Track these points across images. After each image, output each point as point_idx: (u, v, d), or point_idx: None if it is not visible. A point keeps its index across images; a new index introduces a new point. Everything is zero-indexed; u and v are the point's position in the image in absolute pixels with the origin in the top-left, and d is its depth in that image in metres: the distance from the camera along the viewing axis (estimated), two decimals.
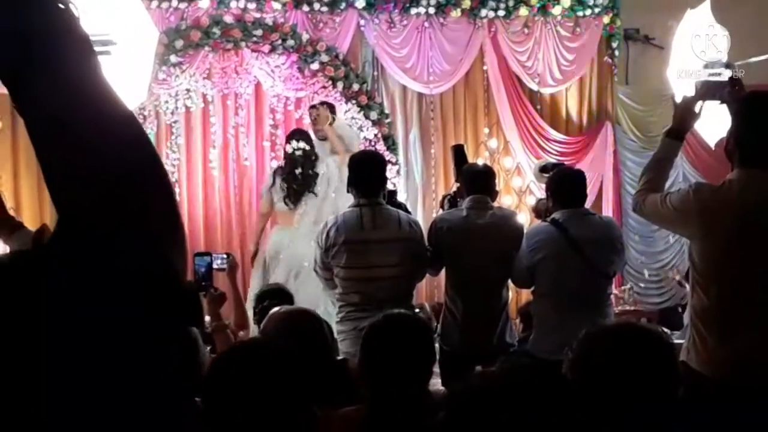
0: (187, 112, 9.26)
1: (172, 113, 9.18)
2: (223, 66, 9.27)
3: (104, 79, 1.19)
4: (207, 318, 4.86)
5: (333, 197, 8.09)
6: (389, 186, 7.74)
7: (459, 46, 10.03)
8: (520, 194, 10.29)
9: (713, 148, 8.46)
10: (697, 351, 3.75)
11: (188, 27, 9.02)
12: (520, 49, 10.17)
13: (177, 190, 9.12)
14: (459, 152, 6.37)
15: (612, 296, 5.67)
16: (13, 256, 1.42)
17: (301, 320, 3.47)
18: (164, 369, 1.16)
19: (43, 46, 1.14)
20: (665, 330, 7.02)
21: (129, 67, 5.78)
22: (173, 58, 8.90)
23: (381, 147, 9.49)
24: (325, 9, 9.52)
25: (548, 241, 5.25)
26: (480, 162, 8.31)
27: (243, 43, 9.18)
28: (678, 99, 4.16)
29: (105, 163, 1.14)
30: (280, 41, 9.24)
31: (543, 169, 6.55)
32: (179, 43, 8.92)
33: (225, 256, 5.38)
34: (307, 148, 8.17)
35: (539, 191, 9.30)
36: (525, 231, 5.73)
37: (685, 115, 4.09)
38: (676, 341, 4.01)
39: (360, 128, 9.39)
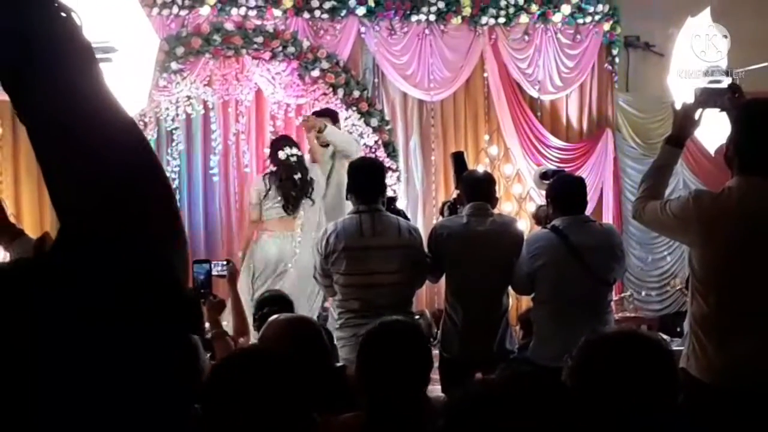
0: (187, 118, 9.27)
1: (173, 120, 9.19)
2: (224, 73, 9.28)
3: (106, 86, 1.19)
4: (207, 325, 4.86)
5: (320, 204, 8.13)
6: (389, 193, 7.75)
7: (459, 53, 10.04)
8: (520, 201, 10.30)
9: (713, 155, 8.47)
10: (696, 358, 3.75)
11: (189, 34, 9.03)
12: (521, 56, 10.18)
13: (177, 196, 9.12)
14: (459, 159, 6.36)
15: (612, 303, 5.66)
16: (15, 265, 1.42)
17: (300, 327, 3.47)
18: (165, 376, 1.17)
19: (45, 54, 1.14)
20: (665, 337, 7.02)
21: (130, 74, 5.78)
22: (174, 65, 8.92)
23: (381, 154, 9.50)
24: (325, 16, 9.54)
25: (548, 248, 5.25)
26: (480, 169, 8.31)
27: (244, 50, 9.20)
28: (678, 106, 4.16)
29: (106, 169, 1.14)
30: (280, 48, 9.26)
31: (543, 175, 6.55)
32: (180, 50, 8.94)
33: (225, 262, 5.38)
34: (300, 154, 8.16)
35: (539, 198, 9.30)
36: (525, 238, 5.73)
37: (684, 123, 4.09)
38: (676, 348, 4.01)
39: (360, 135, 9.39)
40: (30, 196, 8.52)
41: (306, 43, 9.38)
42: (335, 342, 5.06)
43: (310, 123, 8.35)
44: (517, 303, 8.74)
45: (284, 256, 7.98)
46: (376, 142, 9.58)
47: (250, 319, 5.41)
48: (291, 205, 8.01)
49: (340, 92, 9.48)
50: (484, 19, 9.97)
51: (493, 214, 5.71)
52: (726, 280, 3.69)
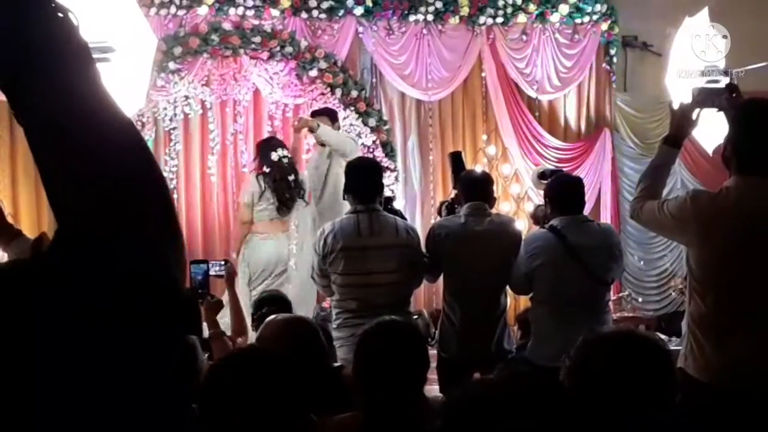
0: (185, 118, 9.26)
1: (171, 120, 9.18)
2: (222, 73, 9.27)
3: (103, 87, 1.19)
4: (204, 325, 4.86)
5: (312, 206, 8.15)
6: (387, 193, 7.75)
7: (457, 53, 10.04)
8: (518, 201, 10.30)
9: (711, 155, 8.47)
10: (694, 357, 3.75)
11: (187, 34, 9.02)
12: (519, 56, 10.18)
13: (175, 196, 9.13)
14: (457, 159, 6.37)
15: (610, 303, 5.67)
16: (13, 265, 1.42)
17: (297, 327, 3.47)
18: (162, 376, 1.17)
19: (42, 54, 1.14)
20: (663, 337, 7.02)
21: (127, 74, 5.78)
22: (172, 65, 8.90)
23: (379, 154, 9.49)
24: (323, 16, 9.53)
25: (546, 248, 5.25)
26: (478, 169, 8.32)
27: (241, 50, 9.19)
28: (675, 106, 4.16)
29: (103, 170, 1.14)
30: (278, 48, 9.25)
31: (541, 175, 6.55)
32: (178, 50, 8.93)
33: (223, 262, 5.38)
34: (290, 155, 8.16)
35: (537, 198, 9.31)
36: (523, 237, 5.73)
37: (682, 122, 4.09)
38: (675, 348, 4.01)
39: (358, 135, 9.37)
40: (28, 197, 8.51)
41: (304, 43, 9.37)
42: (333, 342, 5.07)
43: (302, 123, 8.36)
44: (515, 303, 8.75)
45: (281, 258, 7.97)
46: (374, 141, 9.57)
47: (248, 320, 5.41)
48: (285, 206, 7.99)
49: (338, 92, 9.47)
50: (482, 19, 9.96)
51: (491, 213, 5.71)
52: (724, 279, 3.70)
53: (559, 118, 10.48)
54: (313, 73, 9.39)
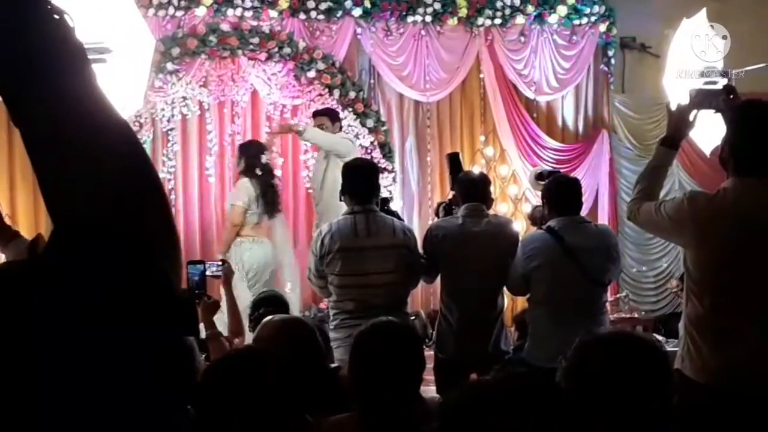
0: (183, 119, 9.26)
1: (169, 121, 9.18)
2: (220, 74, 9.27)
3: (98, 89, 1.19)
4: (201, 326, 4.85)
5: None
6: (385, 194, 7.75)
7: (455, 54, 10.04)
8: (516, 202, 10.30)
9: (709, 157, 8.48)
10: (691, 359, 3.75)
11: (185, 35, 9.03)
12: (517, 57, 10.18)
13: (173, 197, 9.13)
14: (454, 160, 6.37)
15: (607, 304, 5.67)
16: (9, 266, 1.42)
17: (294, 328, 3.47)
18: (159, 377, 1.17)
19: (39, 57, 1.14)
20: (660, 338, 7.03)
21: (125, 75, 5.78)
22: (170, 66, 8.91)
23: (377, 155, 9.50)
24: (321, 17, 9.53)
25: (543, 249, 5.26)
26: (476, 170, 8.32)
27: (239, 51, 9.19)
28: (673, 107, 4.16)
29: (99, 172, 1.15)
30: (276, 49, 9.26)
31: (539, 176, 6.56)
32: (176, 51, 8.93)
33: (220, 263, 5.38)
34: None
35: (535, 199, 9.31)
36: (521, 238, 5.74)
37: (679, 124, 4.09)
38: (672, 349, 4.02)
39: (356, 136, 9.37)
40: (25, 198, 8.52)
41: (302, 44, 9.38)
42: (330, 343, 5.07)
43: (283, 129, 8.38)
44: (513, 304, 8.75)
45: (270, 262, 7.95)
46: (371, 143, 9.58)
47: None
48: (272, 211, 7.97)
49: (336, 93, 9.47)
50: (480, 21, 9.97)
51: (489, 215, 5.72)
52: (721, 281, 3.70)
53: (557, 120, 10.49)
54: (311, 74, 9.40)
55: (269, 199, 7.89)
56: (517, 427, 2.06)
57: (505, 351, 5.64)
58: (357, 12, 9.57)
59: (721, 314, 3.69)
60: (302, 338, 3.37)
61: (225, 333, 5.08)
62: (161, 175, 8.73)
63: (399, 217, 5.92)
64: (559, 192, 5.45)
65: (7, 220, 3.93)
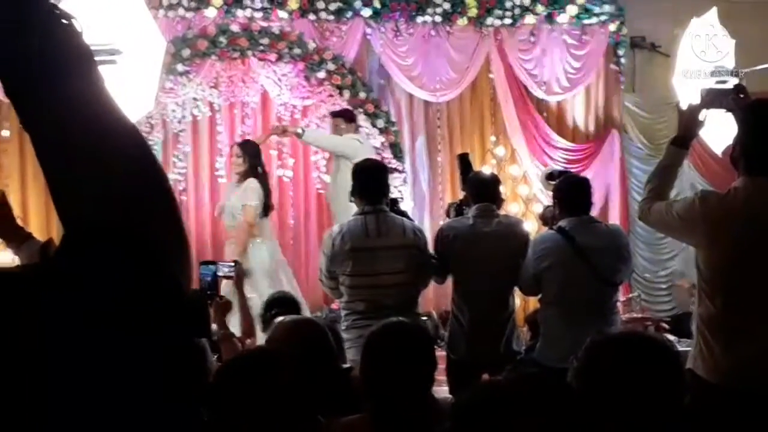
0: (194, 120, 9.28)
1: (179, 122, 9.19)
2: (230, 75, 9.28)
3: (107, 93, 1.19)
4: (213, 326, 4.86)
5: None
6: (395, 194, 7.74)
7: (465, 54, 10.02)
8: (526, 202, 10.29)
9: (720, 156, 8.46)
10: (703, 359, 3.75)
11: (195, 36, 9.04)
12: (527, 57, 10.16)
13: (184, 198, 9.15)
14: (465, 161, 6.37)
15: (618, 304, 5.66)
16: (22, 269, 1.42)
17: (306, 329, 3.47)
18: (171, 379, 1.17)
19: (46, 62, 1.14)
20: (672, 338, 7.00)
21: (136, 77, 5.81)
22: (180, 67, 8.92)
23: (388, 155, 9.48)
24: (331, 17, 9.53)
25: (554, 249, 5.25)
26: (486, 170, 8.31)
27: (250, 52, 9.20)
28: (683, 107, 4.16)
29: (108, 176, 1.15)
30: (286, 50, 9.26)
31: (549, 176, 6.55)
32: (186, 52, 8.94)
33: (232, 264, 5.38)
34: None
35: (546, 199, 9.29)
36: (532, 238, 5.74)
37: (689, 124, 4.09)
38: (684, 349, 4.01)
39: (367, 136, 9.37)
40: (37, 199, 8.54)
41: (312, 45, 9.37)
42: (343, 343, 5.07)
43: (277, 130, 8.40)
44: (525, 304, 8.74)
45: (277, 261, 8.00)
46: (382, 143, 9.56)
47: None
48: (268, 211, 7.97)
49: (346, 94, 9.47)
50: (489, 20, 9.95)
51: (499, 215, 5.72)
52: (732, 280, 3.69)
53: (568, 119, 10.47)
54: (321, 74, 9.39)
55: (268, 200, 7.92)
56: (529, 426, 2.06)
57: (517, 351, 5.64)
58: (367, 12, 9.57)
59: (732, 314, 3.68)
60: (314, 339, 3.37)
61: (237, 333, 5.09)
62: (172, 176, 8.76)
63: (408, 218, 5.93)
64: (570, 192, 5.45)
65: (19, 222, 3.94)
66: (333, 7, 9.48)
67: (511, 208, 9.72)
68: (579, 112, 10.48)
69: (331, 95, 9.48)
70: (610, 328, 4.91)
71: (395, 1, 9.66)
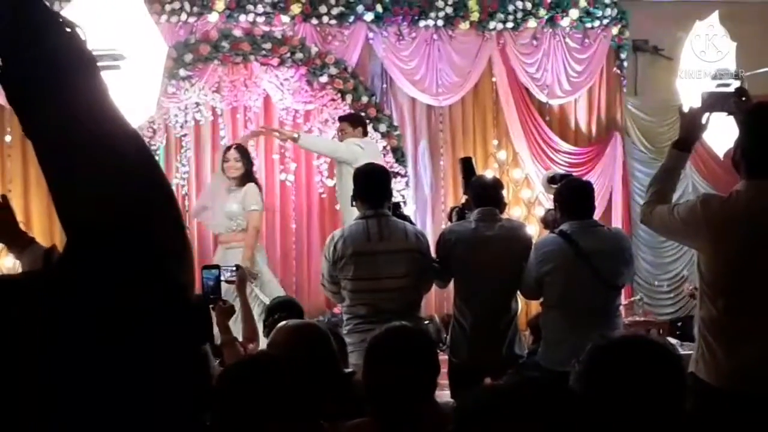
0: (196, 125, 9.29)
1: (182, 127, 9.20)
2: (232, 79, 9.29)
3: (109, 99, 1.20)
4: (216, 331, 4.86)
5: None
6: (398, 198, 7.74)
7: (468, 58, 10.03)
8: (529, 205, 10.29)
9: (722, 159, 8.46)
10: (705, 362, 3.75)
11: (197, 41, 9.05)
12: (529, 61, 10.17)
13: (187, 203, 9.16)
14: (467, 165, 6.36)
15: (621, 307, 5.66)
16: (26, 276, 1.43)
17: (308, 333, 3.47)
18: (174, 383, 1.17)
19: (50, 70, 1.15)
20: (674, 341, 7.00)
21: (139, 82, 5.81)
22: (182, 72, 8.93)
23: (390, 159, 9.49)
24: (333, 22, 9.54)
25: (556, 253, 5.25)
26: (488, 174, 8.31)
27: (252, 57, 9.20)
28: (684, 109, 4.16)
29: (109, 181, 1.16)
30: (289, 54, 9.27)
31: (551, 180, 6.55)
32: (188, 57, 8.96)
33: (234, 268, 5.38)
34: None
35: (548, 202, 9.29)
36: (534, 242, 5.73)
37: (691, 127, 4.08)
38: (687, 352, 4.01)
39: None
40: (40, 205, 8.56)
41: (314, 49, 9.38)
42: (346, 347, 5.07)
43: (268, 129, 8.42)
44: (527, 308, 8.74)
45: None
46: (384, 147, 9.56)
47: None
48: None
49: (349, 98, 9.47)
50: (492, 24, 9.96)
51: (502, 219, 5.72)
52: (735, 283, 3.69)
53: (570, 123, 10.47)
54: (324, 79, 9.40)
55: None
56: (531, 431, 2.06)
57: (519, 355, 5.64)
58: (369, 17, 9.57)
59: (734, 317, 3.68)
60: (316, 343, 3.37)
61: (239, 338, 5.09)
62: (175, 181, 8.77)
63: (411, 222, 5.93)
64: (572, 196, 5.45)
65: (22, 227, 3.94)
66: (335, 11, 9.49)
67: (513, 211, 9.73)
68: (581, 116, 10.48)
69: (333, 99, 9.48)
70: (612, 332, 4.90)
71: (398, 5, 9.67)
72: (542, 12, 10.02)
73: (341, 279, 5.24)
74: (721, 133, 5.47)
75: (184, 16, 9.04)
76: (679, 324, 9.47)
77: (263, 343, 5.16)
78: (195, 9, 9.06)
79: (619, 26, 10.29)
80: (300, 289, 9.41)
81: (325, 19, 9.50)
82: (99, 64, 1.22)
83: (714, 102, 4.06)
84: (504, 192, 6.08)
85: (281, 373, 2.55)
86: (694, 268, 4.05)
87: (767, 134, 3.70)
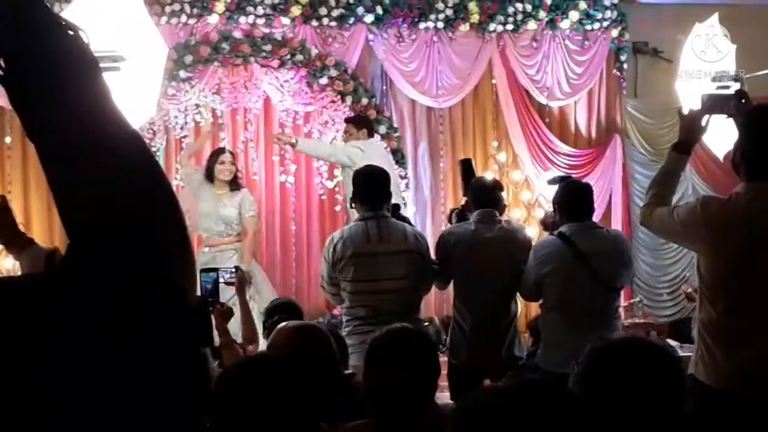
0: (196, 127, 9.28)
1: (182, 128, 9.20)
2: (233, 81, 9.29)
3: (111, 101, 1.20)
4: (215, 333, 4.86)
5: None
6: (398, 200, 7.74)
7: (468, 60, 10.03)
8: (528, 207, 10.29)
9: (722, 161, 8.46)
10: (705, 364, 3.75)
11: (197, 42, 9.05)
12: (529, 63, 10.17)
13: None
14: (467, 167, 6.36)
15: (620, 309, 5.66)
16: (27, 279, 1.43)
17: (309, 335, 3.47)
18: (174, 386, 1.18)
19: (53, 72, 1.15)
20: (674, 343, 7.00)
21: (139, 83, 5.81)
22: (182, 74, 8.93)
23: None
24: (333, 24, 9.54)
25: (555, 255, 5.26)
26: (488, 176, 8.31)
27: (252, 58, 9.20)
28: (684, 112, 4.16)
29: (111, 182, 1.16)
30: (289, 56, 9.26)
31: (551, 182, 6.55)
32: (188, 59, 8.96)
33: (233, 270, 5.38)
34: None
35: (548, 204, 9.30)
36: (534, 244, 5.74)
37: (691, 129, 4.09)
38: (686, 354, 4.01)
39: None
40: (39, 206, 8.56)
41: (314, 51, 9.38)
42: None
43: (275, 137, 8.46)
44: (527, 309, 8.74)
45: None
46: (384, 149, 9.57)
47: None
48: None
49: (349, 100, 9.47)
50: (492, 26, 9.96)
51: (501, 220, 5.72)
52: (734, 285, 3.69)
53: (570, 125, 10.47)
54: (324, 80, 9.40)
55: None
56: None
57: (518, 357, 5.64)
58: (369, 18, 9.58)
59: (734, 319, 3.68)
60: (317, 344, 3.37)
61: (238, 339, 5.10)
62: (175, 183, 8.77)
63: (410, 224, 5.93)
64: (571, 197, 5.45)
65: (22, 228, 3.95)
66: (335, 13, 9.49)
67: (513, 213, 9.73)
68: (581, 118, 10.48)
69: (333, 101, 9.48)
70: (611, 334, 4.91)
71: (398, 7, 9.67)
72: (542, 14, 10.02)
73: (341, 280, 5.24)
74: (721, 136, 5.47)
75: (184, 18, 9.05)
76: (679, 325, 9.47)
77: (263, 344, 5.17)
78: (195, 11, 9.07)
79: (619, 28, 10.29)
80: (300, 290, 9.41)
81: (326, 20, 9.50)
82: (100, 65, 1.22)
83: (714, 104, 4.06)
84: (504, 194, 6.08)
85: (281, 375, 2.55)
86: (694, 270, 4.05)
87: (767, 136, 3.70)
